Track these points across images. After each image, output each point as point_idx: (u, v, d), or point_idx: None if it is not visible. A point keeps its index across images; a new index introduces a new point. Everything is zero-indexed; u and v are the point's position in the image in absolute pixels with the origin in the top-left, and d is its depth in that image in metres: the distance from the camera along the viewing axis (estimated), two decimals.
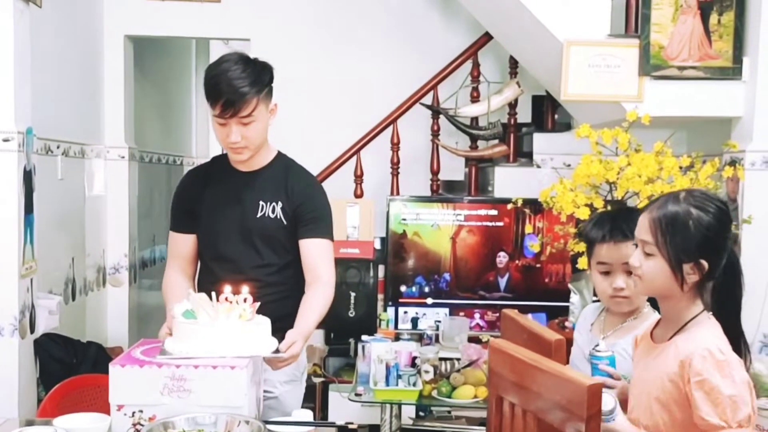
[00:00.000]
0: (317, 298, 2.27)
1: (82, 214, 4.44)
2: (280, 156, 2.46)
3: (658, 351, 1.73)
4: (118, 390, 1.88)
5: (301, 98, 5.09)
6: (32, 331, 3.32)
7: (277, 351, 2.03)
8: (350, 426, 1.88)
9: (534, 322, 1.92)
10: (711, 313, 1.73)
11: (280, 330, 2.11)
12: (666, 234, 1.67)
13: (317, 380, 4.19)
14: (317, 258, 2.33)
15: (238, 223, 2.35)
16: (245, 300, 1.99)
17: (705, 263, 1.66)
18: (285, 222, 2.34)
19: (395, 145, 4.52)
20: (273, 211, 2.34)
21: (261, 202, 2.34)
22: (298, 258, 2.36)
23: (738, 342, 1.69)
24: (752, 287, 3.24)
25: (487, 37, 4.49)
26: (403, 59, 4.91)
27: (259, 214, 2.33)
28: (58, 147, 3.98)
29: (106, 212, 4.82)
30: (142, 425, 1.85)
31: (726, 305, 1.70)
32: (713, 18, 3.34)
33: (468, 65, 4.54)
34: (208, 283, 2.31)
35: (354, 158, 4.54)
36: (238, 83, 2.20)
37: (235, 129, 2.24)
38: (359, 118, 4.75)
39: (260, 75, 2.27)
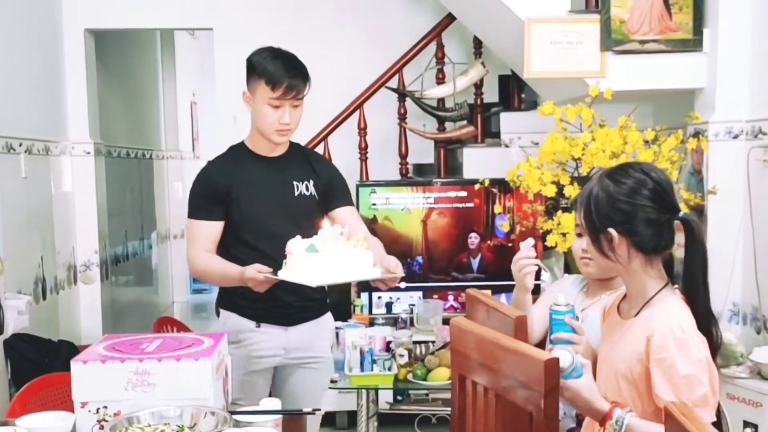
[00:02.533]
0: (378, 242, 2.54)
1: (49, 212, 4.39)
2: (293, 143, 2.65)
3: (625, 327, 1.73)
4: (81, 387, 1.85)
5: None
6: (1, 331, 3.29)
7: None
8: (317, 413, 1.88)
9: (496, 300, 1.92)
10: (677, 286, 1.73)
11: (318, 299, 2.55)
12: (582, 211, 1.74)
13: None
14: (356, 221, 2.61)
15: (280, 203, 2.52)
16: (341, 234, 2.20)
17: (613, 232, 1.67)
18: (317, 198, 2.56)
19: (362, 130, 4.50)
20: (307, 189, 2.55)
21: (295, 182, 2.54)
22: None
23: (707, 315, 1.68)
24: (719, 256, 3.29)
25: (450, 18, 4.48)
26: (368, 43, 4.88)
27: (296, 193, 2.53)
28: (20, 145, 3.92)
29: (75, 209, 4.76)
30: (107, 421, 1.83)
31: (691, 278, 1.69)
32: None
33: (432, 47, 4.53)
34: (258, 261, 2.38)
35: (321, 144, 4.52)
36: (298, 68, 2.49)
37: (288, 111, 2.45)
38: (326, 105, 4.71)
39: (305, 67, 2.55)
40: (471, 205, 4.16)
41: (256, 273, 2.27)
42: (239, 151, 2.61)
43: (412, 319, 4.01)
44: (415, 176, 4.68)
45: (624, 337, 1.71)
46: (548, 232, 3.31)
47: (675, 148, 3.20)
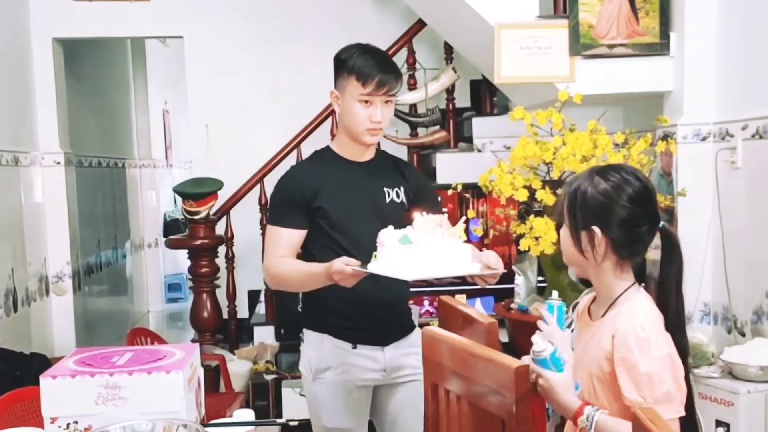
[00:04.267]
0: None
1: (20, 223, 4.35)
2: (379, 149, 2.54)
3: (594, 329, 1.74)
4: (51, 402, 1.82)
5: (239, 94, 5.06)
6: None
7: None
8: (291, 424, 1.87)
9: (469, 306, 1.93)
10: (644, 285, 1.75)
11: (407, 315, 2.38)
12: (569, 202, 1.74)
13: (269, 377, 4.17)
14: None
15: (372, 210, 2.38)
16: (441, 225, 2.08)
17: (597, 231, 1.68)
18: (407, 205, 2.43)
19: (335, 137, 4.49)
20: (398, 196, 2.43)
21: (385, 189, 2.42)
22: None
23: (677, 324, 1.69)
24: (689, 258, 3.31)
25: (420, 24, 4.50)
26: (339, 49, 4.88)
27: (388, 200, 2.41)
28: None
29: (46, 220, 4.72)
30: None
31: (665, 286, 1.71)
32: None
33: (403, 53, 4.54)
34: None
35: (295, 152, 4.51)
36: (388, 62, 2.35)
37: (380, 108, 2.31)
38: (298, 111, 4.73)
39: (395, 63, 2.41)
40: (445, 210, 4.15)
41: (344, 266, 2.09)
42: (325, 155, 2.46)
43: None
44: None
45: (593, 338, 1.72)
46: (521, 236, 3.32)
47: (644, 151, 3.23)
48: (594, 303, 1.82)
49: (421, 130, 4.58)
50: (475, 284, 2.17)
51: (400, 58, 4.56)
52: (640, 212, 1.69)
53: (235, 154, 4.97)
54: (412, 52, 4.54)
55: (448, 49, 4.54)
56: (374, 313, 2.34)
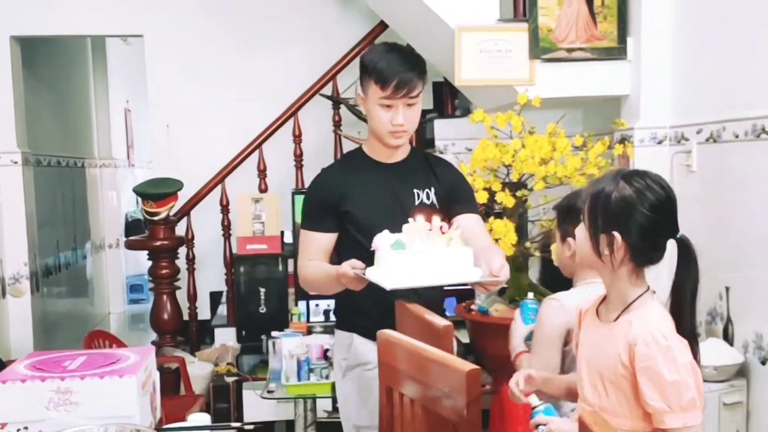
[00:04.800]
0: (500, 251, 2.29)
1: None
2: (414, 147, 2.49)
3: (605, 331, 1.74)
4: (1, 407, 1.80)
5: (201, 94, 5.02)
6: None
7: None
8: (246, 427, 1.86)
9: (424, 309, 1.93)
10: (655, 293, 1.75)
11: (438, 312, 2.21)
12: (589, 203, 1.72)
13: (230, 379, 4.14)
14: (479, 230, 2.37)
15: (401, 213, 2.26)
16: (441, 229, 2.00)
17: (618, 237, 1.67)
18: (438, 206, 2.35)
19: (297, 138, 4.49)
20: (428, 197, 2.37)
21: (415, 191, 2.36)
22: None
23: (690, 335, 1.71)
24: None
25: (382, 26, 4.50)
26: (302, 51, 4.89)
27: (417, 202, 2.34)
28: None
29: (2, 220, 4.66)
30: None
31: (680, 298, 1.72)
32: (597, 0, 3.42)
33: None
34: None
35: (256, 152, 4.49)
36: (411, 63, 2.27)
37: (402, 111, 2.26)
38: (261, 112, 4.71)
39: (422, 62, 2.33)
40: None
41: (349, 269, 2.09)
42: (355, 157, 2.44)
43: None
44: None
45: (605, 341, 1.72)
46: None
47: (602, 154, 3.27)
48: (603, 304, 1.81)
49: None
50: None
51: None
52: (662, 220, 1.68)
53: (196, 155, 4.94)
54: None
55: None
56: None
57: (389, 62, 2.24)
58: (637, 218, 1.66)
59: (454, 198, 2.39)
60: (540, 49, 3.43)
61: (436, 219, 2.02)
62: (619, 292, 1.73)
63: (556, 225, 2.45)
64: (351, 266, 2.09)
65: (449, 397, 1.43)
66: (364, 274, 2.04)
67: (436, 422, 1.50)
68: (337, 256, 2.39)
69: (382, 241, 2.00)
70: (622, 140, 3.46)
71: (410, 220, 2.02)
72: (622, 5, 3.42)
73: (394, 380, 1.65)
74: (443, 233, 2.00)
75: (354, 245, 2.31)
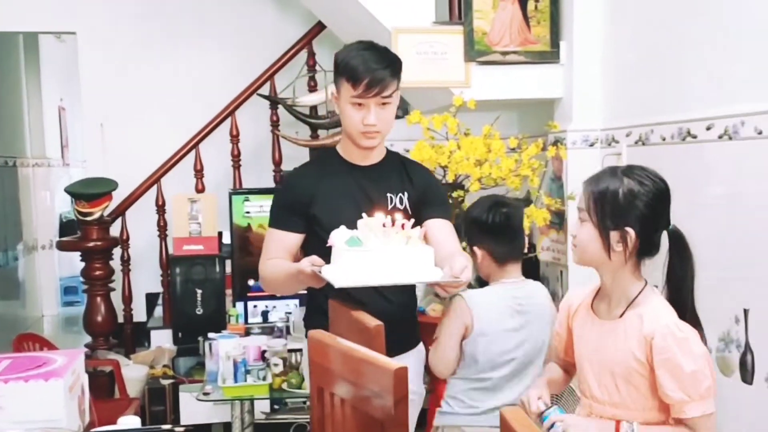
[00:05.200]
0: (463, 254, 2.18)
1: None
2: (390, 150, 2.41)
3: (609, 327, 1.77)
4: None
5: (136, 93, 4.96)
6: None
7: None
8: (177, 429, 1.84)
9: (355, 309, 1.94)
10: (657, 287, 1.78)
11: (407, 321, 2.22)
12: (597, 201, 1.73)
13: (166, 382, 4.09)
14: (448, 236, 2.26)
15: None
16: (403, 226, 1.91)
17: (631, 232, 1.70)
18: (410, 212, 2.27)
19: (234, 138, 4.47)
20: (401, 202, 2.29)
21: (389, 195, 2.28)
22: None
23: (693, 319, 1.74)
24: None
25: (320, 26, 4.51)
26: (239, 50, 4.86)
27: (390, 206, 2.26)
28: None
29: None
30: None
31: (681, 286, 1.75)
32: (531, 4, 3.49)
33: (304, 55, 4.54)
34: None
35: (193, 152, 4.45)
36: (385, 61, 2.18)
37: (374, 110, 2.17)
38: (198, 112, 4.66)
39: (396, 60, 2.24)
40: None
41: (307, 265, 2.01)
42: (329, 158, 2.36)
43: (288, 328, 3.99)
44: None
45: (612, 338, 1.75)
46: None
47: (536, 156, 3.33)
48: (600, 302, 1.83)
49: (321, 132, 4.59)
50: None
51: (300, 60, 4.58)
52: (662, 213, 1.73)
53: (132, 154, 4.86)
54: (312, 54, 4.55)
55: None
56: None
57: (362, 60, 2.17)
58: (645, 211, 1.71)
59: (425, 202, 2.32)
60: (475, 51, 3.48)
61: (398, 216, 1.95)
62: (622, 288, 1.76)
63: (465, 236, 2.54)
64: (311, 263, 2.03)
65: (378, 397, 1.44)
66: (320, 271, 1.98)
67: (365, 422, 1.51)
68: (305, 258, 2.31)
69: (337, 237, 1.93)
70: (556, 142, 3.53)
71: (363, 215, 1.96)
72: (555, 10, 3.49)
73: (325, 380, 1.66)
74: (403, 228, 1.92)
75: (322, 248, 2.16)
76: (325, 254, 2.07)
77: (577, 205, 1.82)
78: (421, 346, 2.42)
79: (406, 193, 2.30)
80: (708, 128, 2.75)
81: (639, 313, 1.72)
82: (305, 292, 2.38)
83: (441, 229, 2.25)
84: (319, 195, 2.26)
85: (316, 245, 2.20)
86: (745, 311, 2.58)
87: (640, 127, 3.19)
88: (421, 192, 2.32)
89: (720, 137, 2.69)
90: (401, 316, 2.30)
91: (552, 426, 1.70)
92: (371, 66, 2.15)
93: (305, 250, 2.30)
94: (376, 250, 1.84)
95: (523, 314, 2.51)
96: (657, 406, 1.72)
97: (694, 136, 2.84)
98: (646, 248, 1.74)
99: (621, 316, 1.75)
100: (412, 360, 2.33)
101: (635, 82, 3.28)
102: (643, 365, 1.69)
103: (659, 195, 1.73)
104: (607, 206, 1.71)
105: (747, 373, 2.56)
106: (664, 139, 3.03)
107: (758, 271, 2.52)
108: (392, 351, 2.09)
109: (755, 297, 2.54)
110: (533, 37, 3.50)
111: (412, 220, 1.95)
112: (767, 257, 2.48)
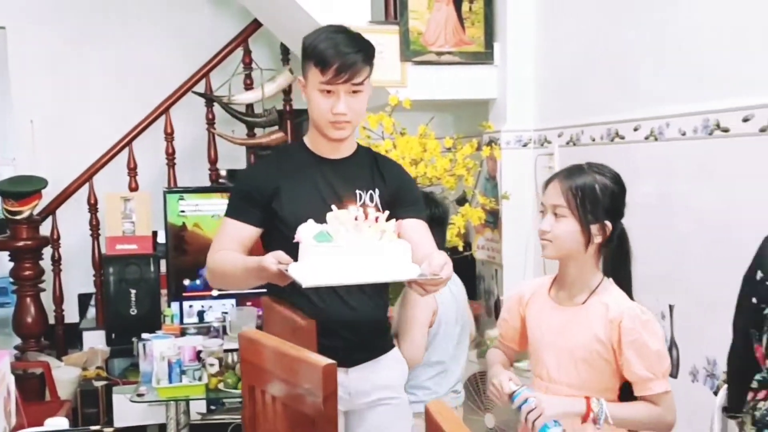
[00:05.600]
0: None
1: None
2: (360, 145, 2.25)
3: (570, 313, 1.85)
4: None
5: (68, 89, 4.86)
6: None
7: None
8: (106, 430, 1.83)
9: (288, 307, 1.95)
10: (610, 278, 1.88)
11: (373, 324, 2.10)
12: (577, 197, 1.80)
13: (99, 383, 4.02)
14: (423, 236, 2.12)
15: None
16: (377, 219, 1.75)
17: (609, 224, 1.81)
18: (381, 210, 2.01)
19: (169, 135, 4.42)
20: (371, 200, 2.12)
21: (358, 191, 2.12)
22: None
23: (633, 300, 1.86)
24: (512, 258, 3.52)
25: (256, 24, 4.49)
26: (174, 47, 4.81)
27: (360, 204, 2.07)
28: None
29: None
30: None
31: (625, 274, 1.87)
32: (465, 6, 3.53)
33: (240, 52, 4.51)
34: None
35: (126, 150, 4.39)
36: (356, 45, 2.02)
37: (344, 98, 2.01)
38: (132, 109, 4.59)
39: (369, 46, 2.08)
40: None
41: (272, 262, 1.82)
42: (295, 149, 2.20)
43: (225, 328, 3.97)
44: (228, 182, 4.64)
45: (574, 323, 1.83)
46: None
47: (471, 156, 3.38)
48: (559, 290, 1.91)
49: (258, 131, 4.57)
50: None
51: (236, 58, 4.55)
52: (623, 207, 1.85)
53: (63, 152, 4.77)
54: (248, 52, 4.52)
55: (285, 51, 4.55)
56: (333, 328, 2.00)
57: (332, 43, 2.00)
58: (615, 205, 1.83)
59: (399, 201, 2.14)
60: (411, 51, 3.51)
61: (371, 210, 1.80)
62: (585, 277, 1.85)
63: None
64: (276, 259, 1.84)
65: (309, 393, 1.45)
66: (287, 269, 1.79)
67: (296, 419, 1.52)
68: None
69: (305, 232, 1.77)
70: (490, 142, 3.58)
71: (333, 207, 1.82)
72: (489, 12, 3.55)
73: (257, 378, 1.66)
74: (376, 222, 1.77)
75: (285, 245, 1.94)
76: (289, 251, 1.86)
77: (548, 201, 1.85)
78: (394, 351, 2.25)
79: (377, 190, 2.15)
80: (635, 129, 2.83)
81: (603, 301, 1.82)
82: (250, 291, 2.23)
83: (416, 229, 2.12)
84: (283, 188, 2.09)
85: (279, 242, 1.98)
86: (671, 307, 2.67)
87: (571, 128, 3.26)
88: (394, 190, 2.17)
89: (646, 138, 2.78)
90: (367, 317, 2.13)
91: (525, 402, 1.74)
92: (342, 50, 1.99)
93: (267, 247, 2.11)
94: (348, 246, 1.69)
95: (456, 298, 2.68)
96: (612, 388, 1.82)
97: (622, 137, 2.92)
98: (609, 240, 1.84)
99: (584, 303, 1.84)
100: (392, 364, 2.21)
101: (567, 84, 3.35)
102: (606, 348, 1.79)
103: (622, 190, 1.85)
104: (587, 201, 1.80)
105: (672, 367, 2.59)
106: (594, 140, 3.11)
107: (683, 268, 2.61)
108: (356, 354, 2.08)
109: (680, 293, 2.63)
110: (468, 38, 3.55)
111: (387, 212, 1.82)
112: (692, 255, 2.57)
